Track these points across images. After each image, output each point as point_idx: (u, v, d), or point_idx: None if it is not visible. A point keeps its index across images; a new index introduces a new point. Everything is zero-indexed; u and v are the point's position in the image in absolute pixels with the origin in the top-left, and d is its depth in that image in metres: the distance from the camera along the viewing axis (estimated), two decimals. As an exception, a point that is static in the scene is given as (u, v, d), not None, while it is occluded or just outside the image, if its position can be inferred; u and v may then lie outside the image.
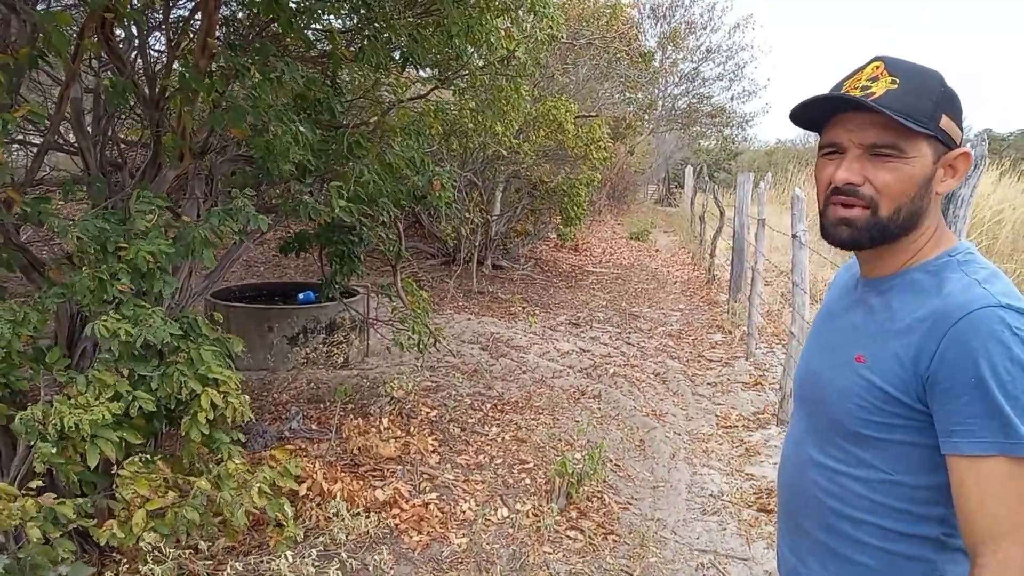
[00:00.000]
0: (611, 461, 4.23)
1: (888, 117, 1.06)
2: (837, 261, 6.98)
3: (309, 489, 3.17)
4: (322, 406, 4.60)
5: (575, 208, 9.41)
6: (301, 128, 2.92)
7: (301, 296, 6.10)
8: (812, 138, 31.94)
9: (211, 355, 2.67)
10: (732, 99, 23.33)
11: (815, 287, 8.56)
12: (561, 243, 12.08)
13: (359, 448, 3.87)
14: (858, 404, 1.13)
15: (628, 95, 12.88)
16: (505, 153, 8.14)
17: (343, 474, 3.47)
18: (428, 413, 4.58)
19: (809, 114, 1.18)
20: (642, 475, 4.14)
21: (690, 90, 23.06)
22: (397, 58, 3.82)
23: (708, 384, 5.89)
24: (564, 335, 7.12)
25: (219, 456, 2.62)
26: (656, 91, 20.09)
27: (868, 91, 1.09)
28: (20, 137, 3.92)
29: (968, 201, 2.60)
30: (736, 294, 7.94)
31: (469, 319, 7.38)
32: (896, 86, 1.09)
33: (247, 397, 2.68)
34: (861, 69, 1.14)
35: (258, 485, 2.36)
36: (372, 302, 5.95)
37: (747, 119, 24.56)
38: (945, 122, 1.10)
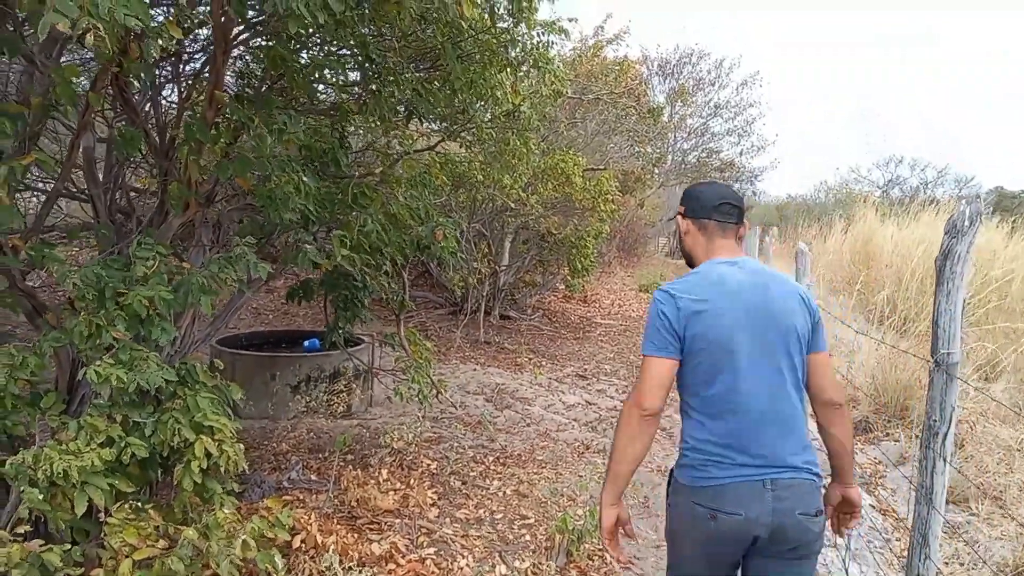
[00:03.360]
0: (613, 517, 4.15)
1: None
2: (843, 317, 6.94)
3: (303, 541, 3.12)
4: (322, 456, 4.56)
5: (582, 259, 9.44)
6: (304, 178, 2.96)
7: (306, 344, 6.10)
8: (823, 194, 32.11)
9: (207, 402, 2.67)
10: (741, 154, 23.53)
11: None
12: (569, 294, 12.09)
13: (357, 500, 3.81)
14: None
15: (637, 149, 13.04)
16: (513, 205, 8.23)
17: (339, 526, 3.42)
18: (429, 465, 4.53)
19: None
20: (645, 533, 4.05)
21: (699, 144, 23.31)
22: (402, 111, 3.90)
23: (714, 439, 5.80)
24: (570, 387, 7.07)
25: (212, 506, 2.59)
26: (665, 145, 20.33)
27: None
28: (40, 184, 4.00)
29: (965, 258, 2.58)
30: (744, 348, 7.86)
31: (475, 369, 7.35)
32: None
33: (242, 446, 2.66)
34: None
35: (244, 536, 2.32)
36: (376, 351, 5.94)
37: (756, 174, 24.74)
38: (678, 208, 2.21)
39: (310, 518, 3.31)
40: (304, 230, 3.68)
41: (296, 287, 4.39)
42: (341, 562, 2.96)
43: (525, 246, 10.27)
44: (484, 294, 9.28)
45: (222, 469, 2.56)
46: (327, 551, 3.00)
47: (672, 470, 2.07)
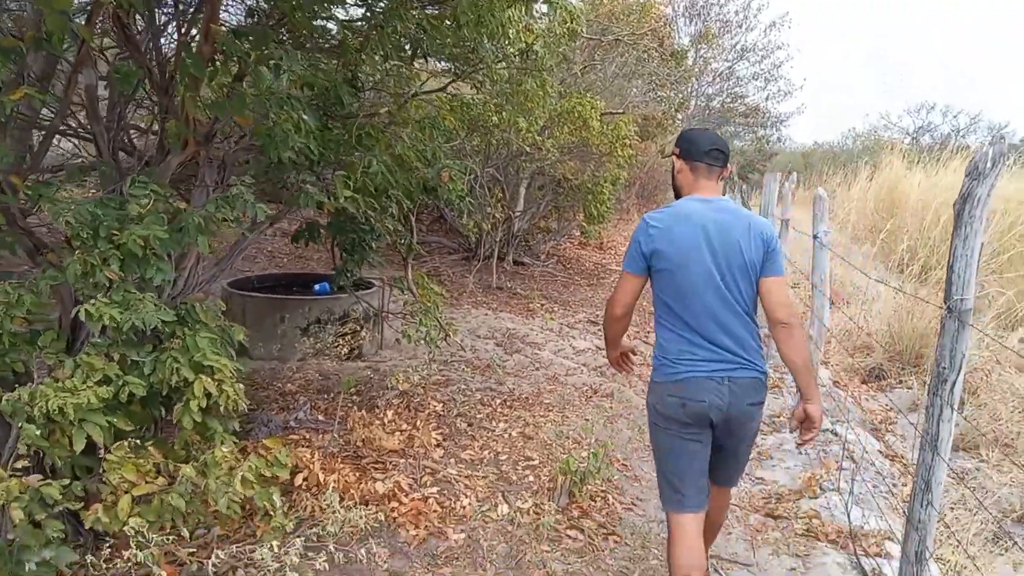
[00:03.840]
0: (618, 460, 4.17)
1: None
2: (864, 266, 6.82)
3: (305, 480, 3.16)
4: (329, 397, 4.60)
5: (598, 206, 9.30)
6: (304, 116, 2.90)
7: (317, 287, 6.11)
8: (850, 141, 31.36)
9: (207, 342, 2.66)
10: (767, 99, 22.99)
11: (844, 289, 8.37)
12: (585, 241, 11.99)
13: (362, 440, 3.85)
14: None
15: (659, 94, 12.72)
16: (528, 149, 8.09)
17: (343, 465, 3.46)
18: (436, 407, 4.55)
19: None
20: (648, 476, 4.07)
21: (724, 89, 22.78)
22: (407, 49, 3.79)
23: (725, 386, 5.78)
24: (582, 333, 7.05)
25: (213, 444, 2.61)
26: (689, 90, 19.84)
27: None
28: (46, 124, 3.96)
29: (985, 201, 2.48)
30: (759, 296, 7.78)
31: (486, 314, 7.34)
32: None
33: (242, 386, 2.67)
34: None
35: (242, 473, 2.34)
36: (387, 295, 5.94)
37: (782, 119, 24.19)
38: (674, 149, 2.56)
39: (314, 457, 3.35)
40: (309, 171, 3.62)
41: (302, 229, 4.36)
42: (342, 499, 2.99)
43: (540, 192, 10.14)
44: (498, 240, 9.21)
45: (222, 408, 2.57)
46: (328, 489, 3.03)
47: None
